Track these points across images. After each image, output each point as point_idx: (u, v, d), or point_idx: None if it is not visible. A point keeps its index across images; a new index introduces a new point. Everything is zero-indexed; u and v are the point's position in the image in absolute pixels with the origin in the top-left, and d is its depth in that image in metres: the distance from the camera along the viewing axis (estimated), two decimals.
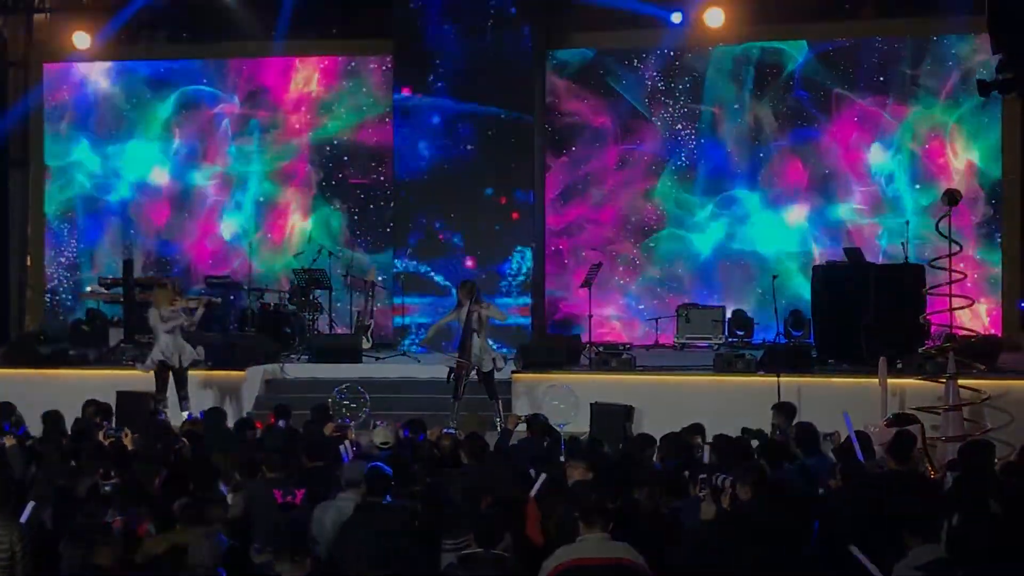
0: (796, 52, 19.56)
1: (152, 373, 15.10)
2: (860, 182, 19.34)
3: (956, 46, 19.04)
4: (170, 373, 15.07)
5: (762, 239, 19.59)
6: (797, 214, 19.55)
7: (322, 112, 20.72)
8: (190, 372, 15.37)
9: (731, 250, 19.69)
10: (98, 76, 21.43)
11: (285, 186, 20.87)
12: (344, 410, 13.28)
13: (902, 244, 17.31)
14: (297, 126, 20.80)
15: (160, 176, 21.19)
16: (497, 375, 15.02)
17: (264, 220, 20.89)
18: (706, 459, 10.41)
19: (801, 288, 18.45)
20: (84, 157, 21.37)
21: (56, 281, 21.42)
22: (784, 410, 12.39)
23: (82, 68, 21.40)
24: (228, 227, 20.99)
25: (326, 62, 20.79)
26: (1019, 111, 18.41)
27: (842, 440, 11.07)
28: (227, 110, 21.02)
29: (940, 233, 14.10)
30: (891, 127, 19.21)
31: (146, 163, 21.22)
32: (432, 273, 18.89)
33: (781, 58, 19.64)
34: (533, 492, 8.76)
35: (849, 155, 19.40)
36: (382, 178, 20.27)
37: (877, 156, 19.25)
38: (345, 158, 20.59)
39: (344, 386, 14.11)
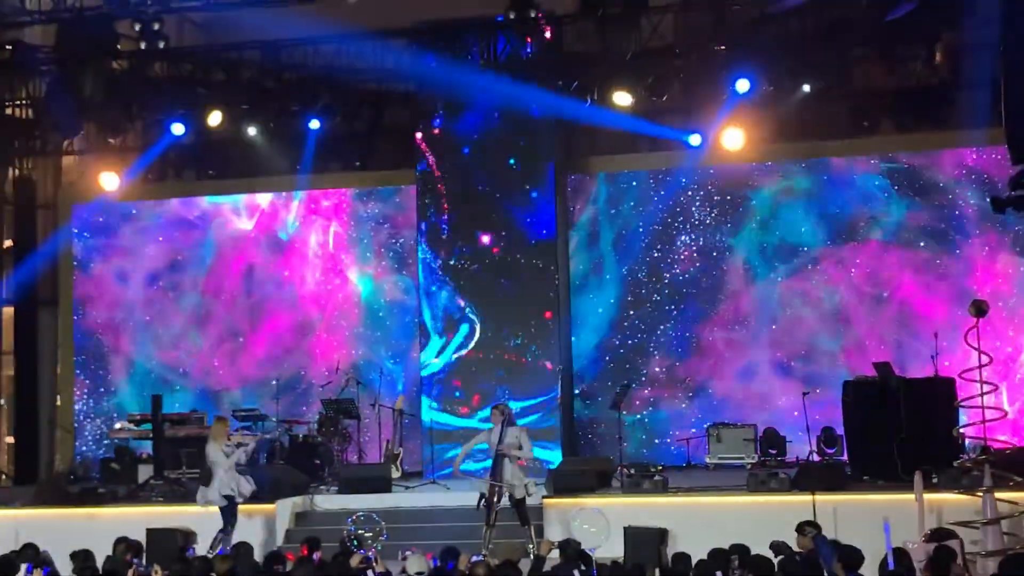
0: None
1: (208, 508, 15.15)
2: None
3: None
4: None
5: None
6: None
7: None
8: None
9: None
10: (128, 216, 21.73)
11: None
12: (358, 541, 13.15)
13: (932, 358, 17.22)
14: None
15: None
16: (529, 500, 14.90)
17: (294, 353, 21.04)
18: None
19: None
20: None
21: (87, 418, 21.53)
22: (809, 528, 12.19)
23: (112, 208, 21.70)
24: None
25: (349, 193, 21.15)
26: None
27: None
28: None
29: (968, 344, 14.03)
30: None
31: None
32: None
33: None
34: None
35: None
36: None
37: None
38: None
39: (358, 515, 14.02)
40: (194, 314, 21.44)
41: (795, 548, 11.63)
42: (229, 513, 15.07)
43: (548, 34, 18.94)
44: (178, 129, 19.90)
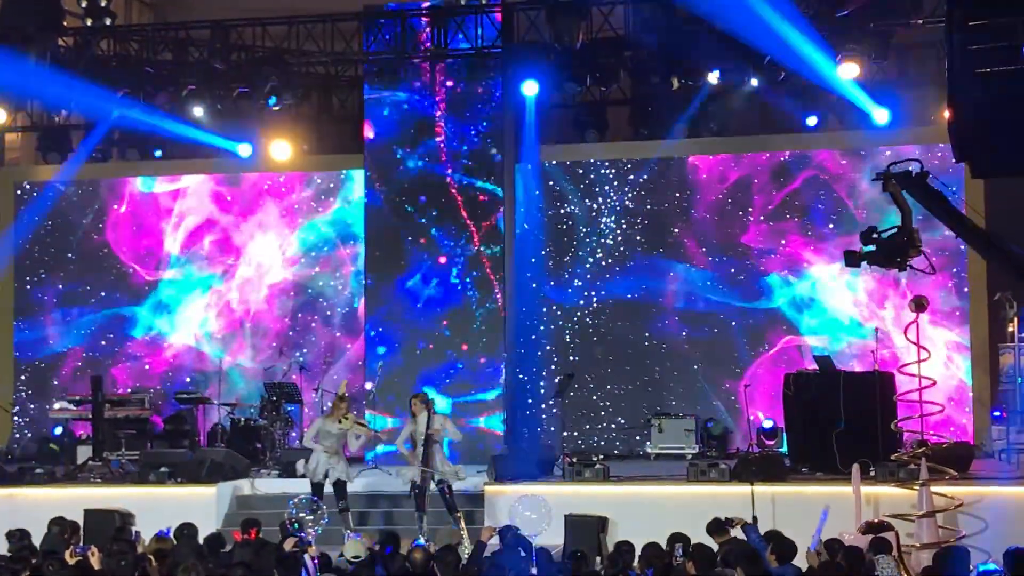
0: None
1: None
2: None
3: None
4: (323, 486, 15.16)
5: None
6: None
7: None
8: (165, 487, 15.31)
9: None
10: (71, 194, 21.50)
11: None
12: (298, 524, 13.12)
13: (872, 352, 17.41)
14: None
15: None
16: (463, 486, 15.11)
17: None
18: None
19: None
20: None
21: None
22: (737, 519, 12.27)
23: (55, 186, 21.44)
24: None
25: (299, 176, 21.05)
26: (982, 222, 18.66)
27: None
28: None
29: (908, 340, 14.20)
30: None
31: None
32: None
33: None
34: None
35: None
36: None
37: None
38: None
39: (299, 499, 14.01)
40: (139, 294, 21.24)
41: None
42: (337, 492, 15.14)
43: (499, 22, 18.94)
44: (123, 109, 19.67)
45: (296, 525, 13.00)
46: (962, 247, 18.75)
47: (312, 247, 20.86)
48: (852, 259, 14.72)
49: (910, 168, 14.25)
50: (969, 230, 14.15)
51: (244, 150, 20.46)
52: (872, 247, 14.32)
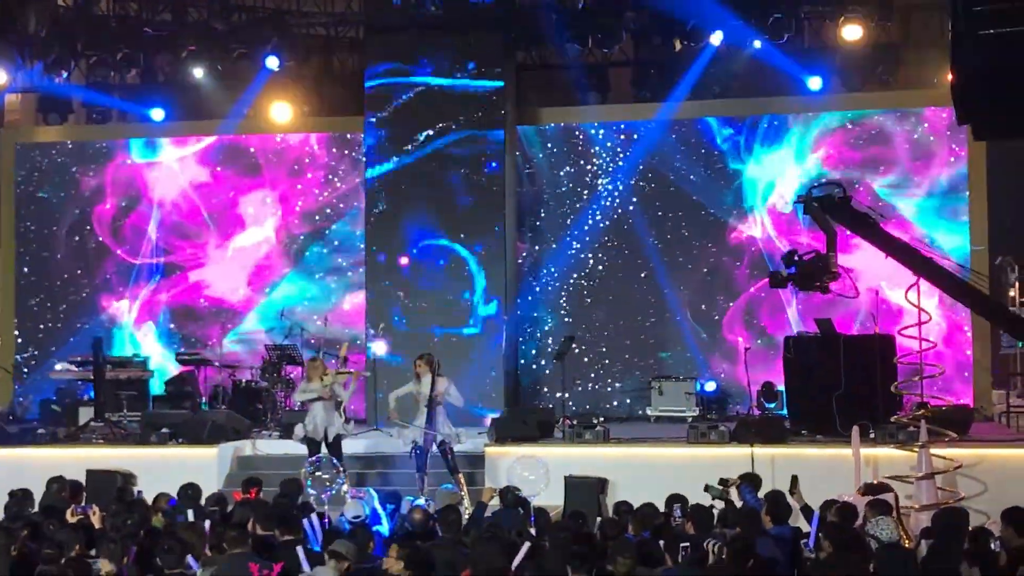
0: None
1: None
2: None
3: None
4: (321, 444, 15.07)
5: None
6: None
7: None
8: (167, 448, 15.27)
9: None
10: (72, 155, 21.46)
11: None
12: (315, 482, 13.19)
13: (872, 315, 17.41)
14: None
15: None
16: (467, 448, 15.16)
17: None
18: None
19: None
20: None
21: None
22: (749, 480, 12.32)
23: (55, 147, 21.44)
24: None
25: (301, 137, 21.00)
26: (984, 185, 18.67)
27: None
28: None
29: (909, 302, 14.21)
30: None
31: None
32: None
33: None
34: (516, 563, 8.69)
35: None
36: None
37: None
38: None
39: (316, 457, 14.09)
40: (137, 253, 21.22)
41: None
42: (310, 450, 15.05)
43: None
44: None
45: (310, 482, 13.10)
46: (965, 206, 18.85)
47: (314, 208, 20.84)
48: (777, 281, 14.82)
49: (833, 192, 14.24)
50: (899, 249, 14.19)
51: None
52: (794, 269, 14.40)
